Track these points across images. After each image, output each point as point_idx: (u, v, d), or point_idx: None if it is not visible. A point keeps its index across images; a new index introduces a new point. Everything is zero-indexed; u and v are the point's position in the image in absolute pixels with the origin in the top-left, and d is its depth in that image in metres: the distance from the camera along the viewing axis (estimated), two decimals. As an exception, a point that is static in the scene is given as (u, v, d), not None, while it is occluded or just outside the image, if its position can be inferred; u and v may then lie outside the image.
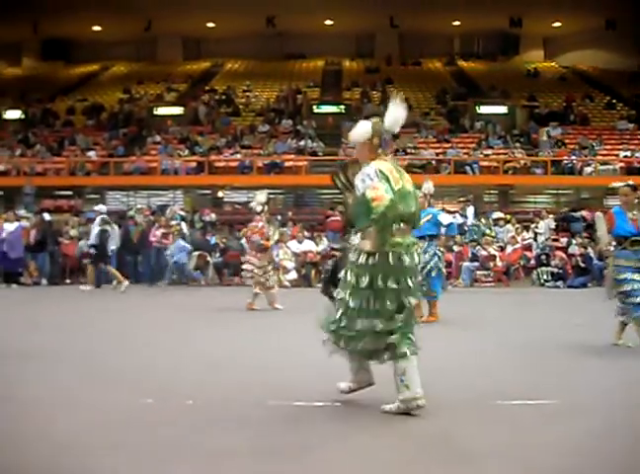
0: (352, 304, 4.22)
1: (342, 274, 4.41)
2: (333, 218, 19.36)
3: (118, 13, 34.70)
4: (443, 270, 9.33)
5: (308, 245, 17.30)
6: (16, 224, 16.25)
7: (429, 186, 9.41)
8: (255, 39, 37.36)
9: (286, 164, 23.53)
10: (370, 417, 4.16)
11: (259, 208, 10.74)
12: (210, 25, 37.73)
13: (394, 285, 4.19)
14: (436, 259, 8.94)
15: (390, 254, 4.17)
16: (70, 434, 3.78)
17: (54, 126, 29.00)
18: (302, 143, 24.77)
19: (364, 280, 4.17)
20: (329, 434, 3.81)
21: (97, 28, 38.21)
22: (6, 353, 6.39)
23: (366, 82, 32.09)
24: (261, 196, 10.88)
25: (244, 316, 10.16)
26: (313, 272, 17.01)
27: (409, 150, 24.15)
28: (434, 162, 23.61)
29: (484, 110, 28.13)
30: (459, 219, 9.63)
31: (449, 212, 19.09)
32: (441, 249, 9.14)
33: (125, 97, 32.03)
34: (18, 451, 3.48)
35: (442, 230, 9.28)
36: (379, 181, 4.13)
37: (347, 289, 4.27)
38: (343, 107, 28.95)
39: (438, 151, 24.33)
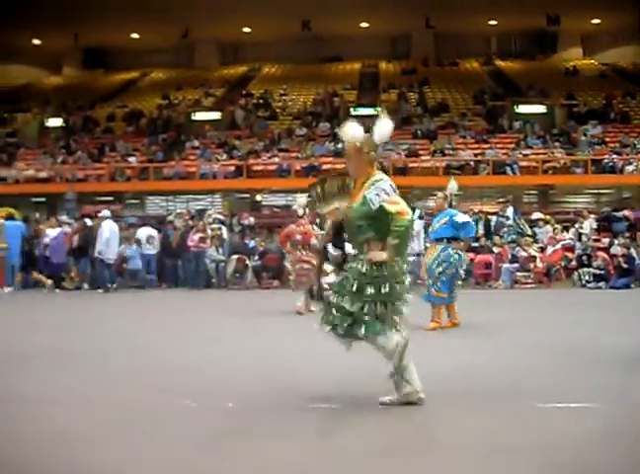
0: (353, 309, 4.34)
1: (337, 280, 4.57)
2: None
3: (155, 21, 35.15)
4: (460, 272, 8.90)
5: (346, 247, 17.29)
6: (58, 230, 16.51)
7: (452, 186, 9.11)
8: (291, 42, 37.53)
9: (324, 167, 23.57)
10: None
11: (300, 212, 10.77)
12: (247, 30, 37.99)
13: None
14: (450, 261, 8.67)
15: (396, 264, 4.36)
16: (110, 431, 3.85)
17: (95, 133, 29.45)
18: (340, 146, 24.77)
19: (370, 290, 4.32)
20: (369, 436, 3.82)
21: (135, 36, 38.79)
22: (53, 354, 6.54)
23: (403, 83, 32.05)
24: (302, 199, 10.90)
25: (286, 319, 10.13)
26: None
27: (447, 151, 24.06)
28: (472, 163, 23.48)
29: (522, 109, 27.88)
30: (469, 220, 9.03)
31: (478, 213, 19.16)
32: (459, 252, 8.75)
33: (164, 103, 32.40)
34: (72, 448, 3.55)
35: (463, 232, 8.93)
36: (397, 195, 4.34)
37: (346, 296, 4.37)
38: (380, 109, 28.91)
39: (476, 152, 24.17)
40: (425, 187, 20.80)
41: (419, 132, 26.11)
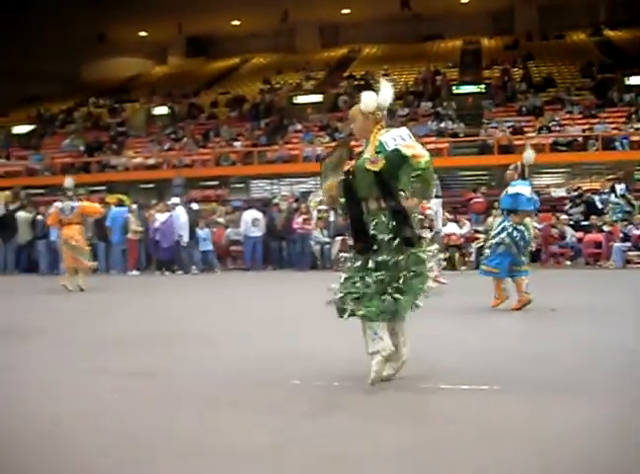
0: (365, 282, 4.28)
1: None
2: (476, 200, 19.07)
3: (255, 6, 35.53)
4: (513, 249, 8.28)
5: (451, 228, 17.13)
6: (167, 215, 17.02)
7: (528, 156, 8.71)
8: (390, 22, 37.24)
9: (427, 147, 23.18)
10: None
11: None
12: (346, 11, 37.91)
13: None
14: (504, 234, 8.32)
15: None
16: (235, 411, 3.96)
17: (199, 120, 30.12)
18: (443, 125, 24.48)
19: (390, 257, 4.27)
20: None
21: (236, 22, 39.37)
22: (172, 334, 6.77)
23: (506, 60, 31.23)
24: None
25: None
26: (457, 255, 16.85)
27: (553, 128, 23.36)
28: (580, 139, 22.72)
29: (633, 81, 26.66)
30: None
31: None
32: (516, 225, 8.30)
33: (266, 87, 32.77)
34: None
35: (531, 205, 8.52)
36: (413, 140, 4.27)
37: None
38: (483, 86, 28.38)
39: (584, 127, 23.36)
40: (530, 164, 20.25)
41: (524, 109, 25.44)
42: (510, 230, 8.32)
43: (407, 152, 4.18)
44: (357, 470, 2.96)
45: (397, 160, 4.22)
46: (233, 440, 3.36)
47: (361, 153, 4.44)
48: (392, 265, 4.27)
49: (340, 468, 2.97)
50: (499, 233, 8.40)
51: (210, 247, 17.36)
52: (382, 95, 4.47)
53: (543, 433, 3.39)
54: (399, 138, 4.25)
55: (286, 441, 3.33)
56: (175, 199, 17.76)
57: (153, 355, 5.74)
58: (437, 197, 15.81)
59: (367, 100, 4.43)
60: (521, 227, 8.32)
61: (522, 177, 8.60)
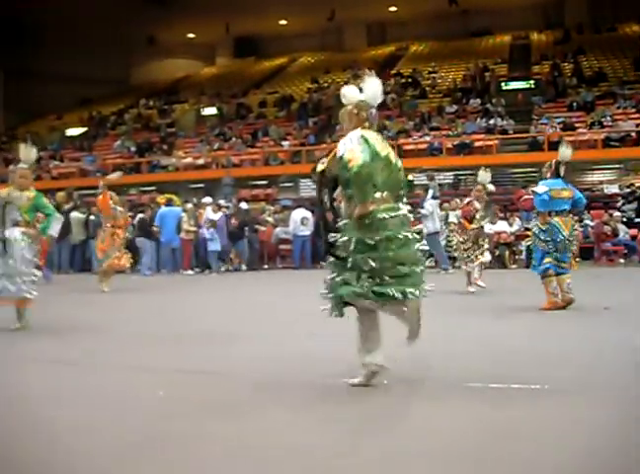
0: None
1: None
2: (526, 197, 18.79)
3: (302, 5, 35.66)
4: (546, 248, 8.11)
5: (501, 225, 16.98)
6: (220, 214, 17.21)
7: (565, 152, 8.51)
8: (438, 18, 37.02)
9: (476, 144, 23.13)
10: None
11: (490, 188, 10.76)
12: (393, 9, 37.82)
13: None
14: (533, 235, 8.36)
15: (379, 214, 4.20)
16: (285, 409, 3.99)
17: (248, 120, 30.34)
18: (492, 122, 24.24)
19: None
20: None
21: (283, 22, 39.54)
22: (220, 332, 6.84)
23: (557, 54, 30.78)
24: (485, 175, 10.77)
25: (459, 298, 9.89)
26: (507, 253, 16.70)
27: (605, 123, 22.94)
28: (633, 134, 22.26)
29: (688, 74, 26.12)
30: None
31: None
32: (540, 224, 8.18)
33: (313, 86, 32.86)
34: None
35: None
36: (358, 145, 4.21)
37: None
38: (532, 82, 28.04)
39: (637, 122, 22.89)
40: (582, 160, 19.92)
41: (574, 104, 25.05)
42: (536, 230, 8.34)
43: (346, 156, 4.20)
44: (410, 470, 2.96)
45: (340, 163, 4.26)
46: (266, 441, 3.34)
47: None
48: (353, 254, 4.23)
49: (393, 468, 2.98)
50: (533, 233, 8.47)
51: (216, 247, 16.94)
52: (369, 92, 4.47)
53: (595, 431, 3.36)
54: (348, 142, 4.27)
55: (321, 442, 3.34)
56: (208, 199, 18.12)
57: (210, 353, 5.80)
58: (434, 197, 15.81)
59: (347, 93, 4.49)
60: (547, 226, 8.20)
61: (557, 175, 8.43)
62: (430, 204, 15.20)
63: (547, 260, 8.15)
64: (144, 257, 16.74)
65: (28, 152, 7.18)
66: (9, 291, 6.93)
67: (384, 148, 4.38)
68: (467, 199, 10.91)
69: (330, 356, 5.30)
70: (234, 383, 4.67)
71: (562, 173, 8.45)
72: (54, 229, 7.32)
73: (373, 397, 4.14)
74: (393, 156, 4.46)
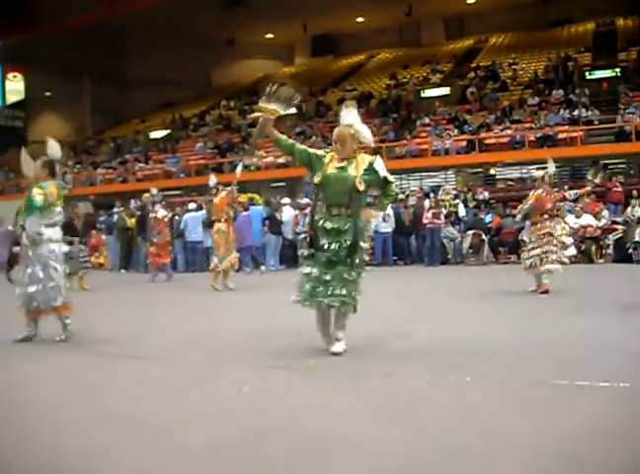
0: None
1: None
2: (614, 189, 18.37)
3: (379, 2, 35.55)
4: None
5: (587, 219, 16.56)
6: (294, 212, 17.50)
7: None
8: (517, 9, 36.35)
9: (560, 136, 22.63)
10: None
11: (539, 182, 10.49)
12: (470, 1, 37.37)
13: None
14: None
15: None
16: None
17: (327, 118, 30.42)
18: (576, 113, 23.66)
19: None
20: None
21: (360, 19, 39.54)
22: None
23: (645, 39, 29.81)
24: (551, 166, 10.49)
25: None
26: (594, 247, 16.24)
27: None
28: None
29: None
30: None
31: None
32: None
33: (392, 82, 32.77)
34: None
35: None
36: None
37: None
38: (618, 70, 27.19)
39: None
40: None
41: (664, 91, 24.25)
42: None
43: (391, 179, 5.43)
44: (490, 465, 2.96)
45: (381, 184, 5.42)
46: (347, 433, 3.37)
47: (344, 167, 5.39)
48: (328, 262, 5.25)
49: (474, 464, 2.98)
50: None
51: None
52: (350, 119, 5.55)
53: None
54: (385, 168, 5.38)
55: (409, 430, 3.36)
56: (285, 200, 18.59)
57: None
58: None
59: (349, 117, 5.63)
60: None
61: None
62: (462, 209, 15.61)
63: None
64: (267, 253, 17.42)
65: (26, 164, 6.84)
66: (42, 302, 6.54)
67: None
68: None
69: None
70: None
71: None
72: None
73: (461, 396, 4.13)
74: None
